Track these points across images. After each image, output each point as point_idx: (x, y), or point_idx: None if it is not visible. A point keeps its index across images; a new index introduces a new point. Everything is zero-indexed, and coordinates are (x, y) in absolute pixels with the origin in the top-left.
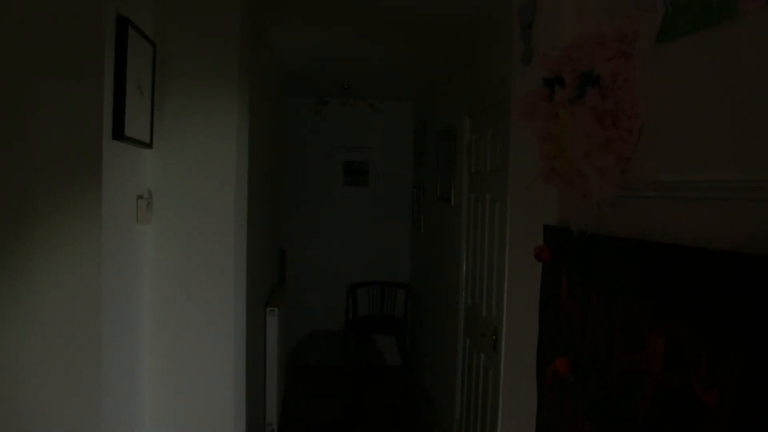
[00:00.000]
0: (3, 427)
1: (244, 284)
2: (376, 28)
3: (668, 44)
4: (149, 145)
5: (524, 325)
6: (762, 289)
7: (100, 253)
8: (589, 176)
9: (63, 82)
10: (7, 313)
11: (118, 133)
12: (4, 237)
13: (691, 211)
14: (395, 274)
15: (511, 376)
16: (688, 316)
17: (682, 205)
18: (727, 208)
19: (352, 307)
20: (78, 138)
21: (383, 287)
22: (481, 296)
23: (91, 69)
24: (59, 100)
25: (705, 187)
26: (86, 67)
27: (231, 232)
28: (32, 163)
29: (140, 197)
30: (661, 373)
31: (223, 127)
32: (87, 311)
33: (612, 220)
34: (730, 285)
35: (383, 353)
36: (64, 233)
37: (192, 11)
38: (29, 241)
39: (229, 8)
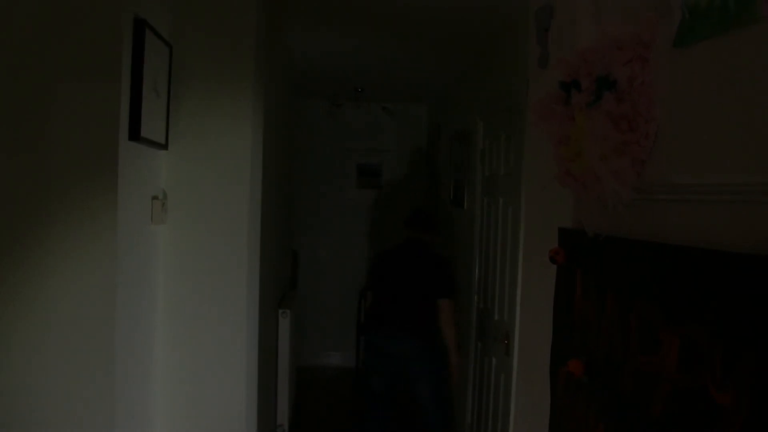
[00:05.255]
0: (16, 426)
1: (257, 285)
2: (391, 31)
3: (685, 49)
4: (164, 146)
5: (537, 328)
6: None
7: (115, 253)
8: (605, 179)
9: (80, 84)
10: (23, 312)
11: (134, 134)
12: (20, 237)
13: (707, 213)
14: None
15: (523, 379)
16: (703, 317)
17: (698, 208)
18: (743, 210)
19: (364, 309)
20: (94, 139)
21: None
22: (493, 300)
23: (108, 70)
24: (77, 102)
25: (720, 190)
26: (103, 69)
27: (244, 234)
28: (49, 164)
29: (155, 198)
30: (676, 374)
31: (238, 129)
32: (102, 311)
33: (627, 223)
34: (746, 287)
35: None
36: (80, 233)
37: (208, 13)
38: (46, 240)
39: (245, 10)
